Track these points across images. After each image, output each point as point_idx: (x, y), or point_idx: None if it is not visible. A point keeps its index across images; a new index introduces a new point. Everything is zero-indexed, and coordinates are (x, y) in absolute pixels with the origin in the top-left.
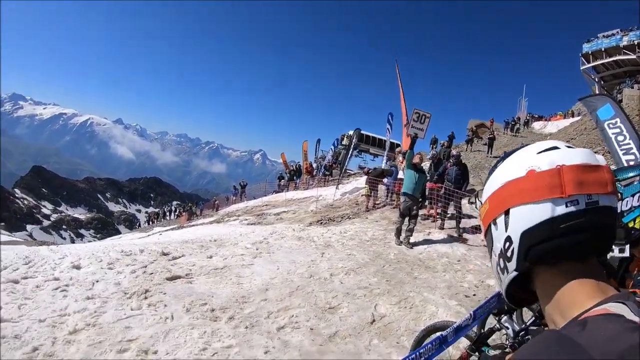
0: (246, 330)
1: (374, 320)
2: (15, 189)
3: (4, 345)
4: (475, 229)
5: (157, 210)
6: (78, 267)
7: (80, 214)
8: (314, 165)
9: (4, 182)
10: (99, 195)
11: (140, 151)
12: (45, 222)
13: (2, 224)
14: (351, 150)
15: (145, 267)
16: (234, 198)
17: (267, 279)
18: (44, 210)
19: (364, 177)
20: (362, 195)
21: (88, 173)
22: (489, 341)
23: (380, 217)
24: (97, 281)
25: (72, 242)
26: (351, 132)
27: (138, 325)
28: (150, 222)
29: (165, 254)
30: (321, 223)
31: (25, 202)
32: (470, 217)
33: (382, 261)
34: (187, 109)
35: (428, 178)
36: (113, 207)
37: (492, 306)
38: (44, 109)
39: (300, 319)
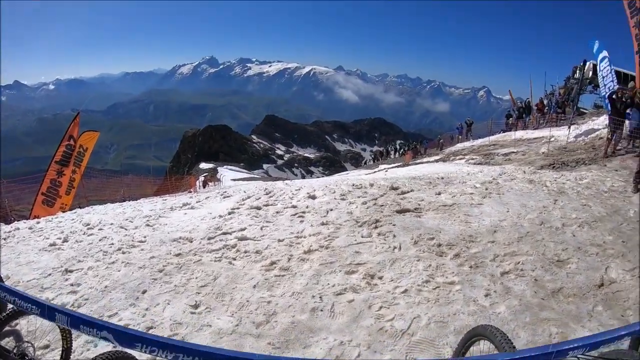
0: (470, 270)
1: (602, 284)
2: (252, 135)
3: (247, 258)
4: None
5: (381, 148)
6: (313, 197)
7: (310, 153)
8: (545, 101)
9: (244, 130)
10: (326, 137)
11: (364, 94)
12: (279, 162)
13: (242, 164)
14: (585, 85)
15: (376, 199)
16: (459, 136)
17: (495, 221)
18: (278, 152)
19: (601, 118)
20: (599, 139)
21: (316, 117)
22: None
23: (621, 165)
24: (331, 210)
25: (303, 177)
26: (587, 64)
27: (367, 251)
28: (375, 160)
29: (394, 188)
30: (554, 167)
31: (261, 145)
32: None
33: (620, 218)
34: (404, 49)
35: None
36: (340, 146)
37: None
38: (270, 66)
39: (525, 267)
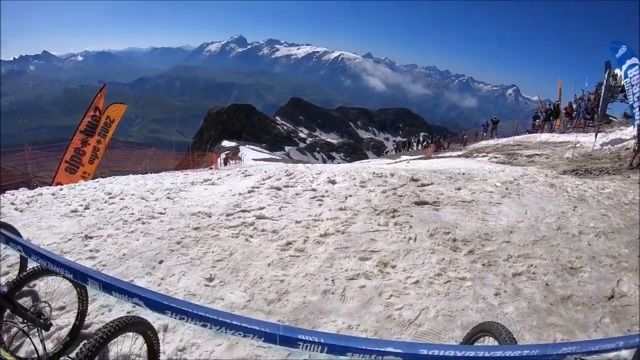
0: (482, 267)
1: (612, 296)
2: (277, 117)
3: (263, 236)
4: None
5: (404, 139)
6: (333, 182)
7: (333, 138)
8: (574, 106)
9: (268, 111)
10: (350, 123)
11: (391, 83)
12: (301, 145)
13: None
14: (615, 93)
15: (395, 189)
16: (484, 134)
17: (513, 221)
18: (300, 135)
19: (629, 128)
20: (625, 149)
21: (341, 103)
22: None
23: None
24: (350, 196)
25: (324, 162)
26: (618, 71)
27: (383, 239)
28: (398, 150)
29: (414, 180)
30: (576, 173)
31: (285, 127)
32: None
33: (637, 231)
34: (434, 41)
35: None
36: (363, 134)
37: None
38: (298, 49)
39: (538, 271)
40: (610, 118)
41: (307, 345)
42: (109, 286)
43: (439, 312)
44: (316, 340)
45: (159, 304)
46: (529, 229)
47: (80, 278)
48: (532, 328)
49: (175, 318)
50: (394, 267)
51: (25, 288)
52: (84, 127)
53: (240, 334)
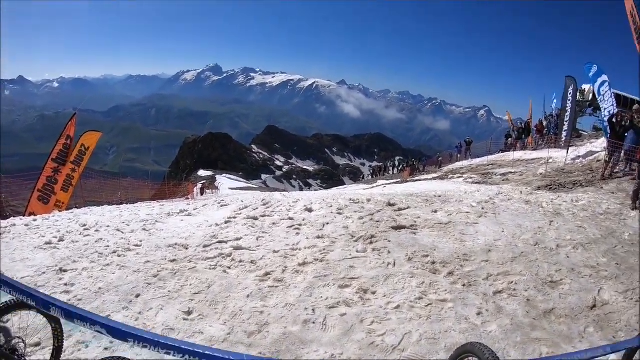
0: (463, 288)
1: (594, 306)
2: (252, 145)
3: (241, 267)
4: None
5: (380, 164)
6: (310, 210)
7: (309, 166)
8: (544, 123)
9: (244, 140)
10: (326, 150)
11: (365, 109)
12: (278, 172)
13: (240, 173)
14: (584, 107)
15: (372, 215)
16: (458, 155)
17: (490, 240)
18: (277, 162)
19: (599, 140)
20: (597, 161)
21: (316, 130)
22: None
23: (617, 188)
24: (328, 223)
25: (301, 189)
26: (586, 87)
27: (361, 266)
28: (374, 175)
29: (391, 205)
30: (551, 188)
31: (261, 155)
32: None
33: (614, 240)
34: (406, 66)
35: None
36: (339, 160)
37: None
38: (273, 77)
39: (518, 287)
40: (581, 132)
41: None
42: (71, 314)
43: (422, 335)
44: None
45: (120, 333)
46: (507, 246)
47: (43, 305)
48: (516, 344)
49: (138, 346)
50: (374, 293)
51: None
52: (55, 155)
53: None
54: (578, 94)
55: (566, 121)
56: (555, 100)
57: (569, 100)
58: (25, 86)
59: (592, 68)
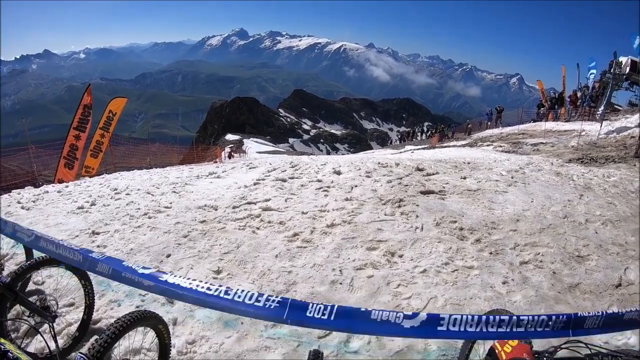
0: (490, 256)
1: (619, 284)
2: (280, 109)
3: (270, 228)
4: None
5: (408, 129)
6: (338, 173)
7: (336, 130)
8: (578, 94)
9: (271, 104)
10: (354, 114)
11: (394, 73)
12: (305, 136)
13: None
14: (620, 81)
15: (401, 179)
16: (488, 123)
17: (519, 210)
18: (304, 126)
19: (635, 116)
20: (631, 137)
21: (344, 94)
22: None
23: None
24: (356, 186)
25: (328, 153)
26: (623, 59)
27: (389, 229)
28: (402, 141)
29: (419, 169)
30: (582, 162)
31: (288, 119)
32: None
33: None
34: (437, 30)
35: None
36: (367, 124)
37: None
38: (300, 40)
39: (545, 259)
40: (616, 106)
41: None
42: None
43: (447, 301)
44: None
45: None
46: (536, 217)
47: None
48: None
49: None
50: (401, 256)
51: (33, 287)
52: (76, 124)
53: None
54: (616, 66)
55: (605, 95)
56: (594, 72)
57: (609, 73)
58: (52, 59)
59: (636, 39)
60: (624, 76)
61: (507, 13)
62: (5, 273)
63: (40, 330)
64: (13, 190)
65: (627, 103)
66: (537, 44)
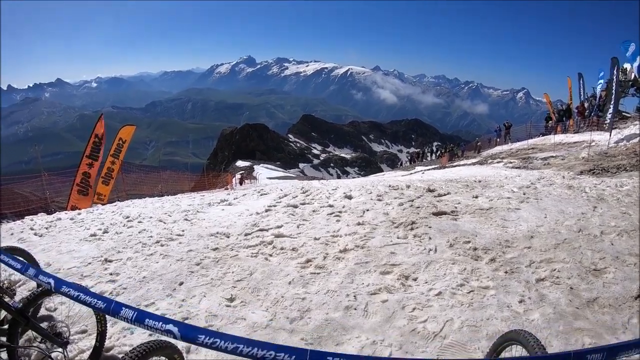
0: (505, 275)
1: (639, 296)
2: (289, 135)
3: (283, 255)
4: None
5: (418, 150)
6: (350, 197)
7: (346, 153)
8: (586, 104)
9: (280, 130)
10: (362, 137)
11: (402, 94)
12: (315, 161)
13: (278, 162)
14: (627, 88)
15: (412, 201)
16: (497, 139)
17: (533, 226)
18: (314, 151)
19: None
20: None
21: (352, 117)
22: None
23: None
24: (367, 210)
25: (339, 177)
26: (627, 66)
27: (402, 252)
28: (412, 162)
29: (430, 190)
30: (594, 173)
31: (298, 144)
32: None
33: None
34: (441, 50)
35: None
36: (376, 147)
37: None
38: (307, 66)
39: (561, 275)
40: (624, 114)
41: None
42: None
43: (463, 322)
44: None
45: (191, 331)
46: (550, 232)
47: (112, 312)
48: (559, 334)
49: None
50: (415, 279)
51: (44, 312)
52: (88, 152)
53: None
54: (620, 73)
55: (611, 104)
56: (601, 82)
57: (613, 81)
58: (64, 88)
59: (630, 46)
60: (630, 82)
61: (510, 26)
62: (17, 299)
63: (52, 356)
64: (26, 217)
65: (634, 109)
66: (541, 58)
